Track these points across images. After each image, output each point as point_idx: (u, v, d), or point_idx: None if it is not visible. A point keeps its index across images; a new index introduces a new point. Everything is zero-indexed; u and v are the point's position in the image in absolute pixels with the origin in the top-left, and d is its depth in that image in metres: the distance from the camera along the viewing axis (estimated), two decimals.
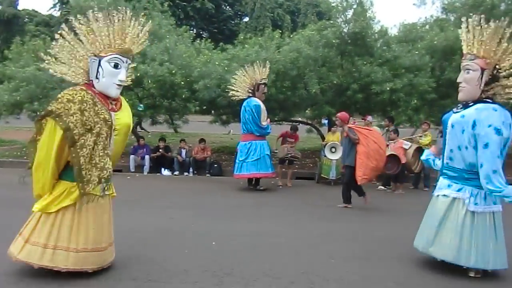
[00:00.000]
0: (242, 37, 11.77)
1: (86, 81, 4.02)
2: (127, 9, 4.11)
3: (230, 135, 17.56)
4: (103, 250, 4.06)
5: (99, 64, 3.94)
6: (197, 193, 8.67)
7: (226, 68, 10.20)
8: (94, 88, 3.97)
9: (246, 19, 30.08)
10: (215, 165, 11.27)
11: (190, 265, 4.55)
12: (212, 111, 12.54)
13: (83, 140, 3.74)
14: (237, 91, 8.97)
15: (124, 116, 4.13)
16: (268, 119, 9.20)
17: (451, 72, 10.49)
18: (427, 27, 13.05)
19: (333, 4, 11.78)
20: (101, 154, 3.85)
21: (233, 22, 30.21)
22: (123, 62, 4.01)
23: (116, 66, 3.97)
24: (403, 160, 9.02)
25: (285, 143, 10.09)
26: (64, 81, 4.87)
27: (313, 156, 12.54)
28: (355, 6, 11.36)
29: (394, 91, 10.19)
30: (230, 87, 9.03)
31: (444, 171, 4.58)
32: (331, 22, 11.10)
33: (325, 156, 9.87)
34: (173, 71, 10.33)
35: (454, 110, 4.47)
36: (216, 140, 16.16)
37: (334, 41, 10.44)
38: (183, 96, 10.61)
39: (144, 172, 11.03)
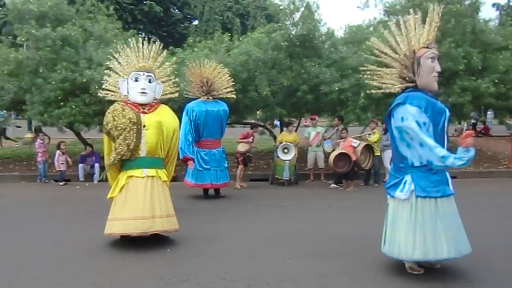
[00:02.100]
0: (191, 41, 11.69)
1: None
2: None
3: None
4: (147, 219, 5.16)
5: (127, 82, 5.40)
6: None
7: (175, 72, 10.05)
8: (128, 100, 5.37)
9: (196, 22, 29.92)
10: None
11: (144, 273, 4.45)
12: None
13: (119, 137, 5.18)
14: (189, 91, 8.53)
15: (154, 116, 5.36)
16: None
17: None
18: (371, 28, 13.49)
19: (281, 7, 11.95)
20: (120, 142, 5.16)
21: (182, 25, 29.87)
22: (142, 75, 5.36)
23: (136, 79, 5.36)
24: (354, 158, 9.28)
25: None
26: None
27: (267, 157, 12.64)
28: (302, 9, 11.58)
29: (342, 91, 10.47)
30: (185, 87, 8.60)
31: None
32: (279, 25, 11.27)
33: (278, 157, 9.97)
34: None
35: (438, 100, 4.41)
36: None
37: (282, 43, 10.59)
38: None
39: (94, 181, 10.67)
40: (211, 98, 8.33)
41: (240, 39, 11.65)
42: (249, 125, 13.80)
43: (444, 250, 4.08)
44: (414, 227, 4.14)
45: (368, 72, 4.71)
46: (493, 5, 37.20)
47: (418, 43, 4.27)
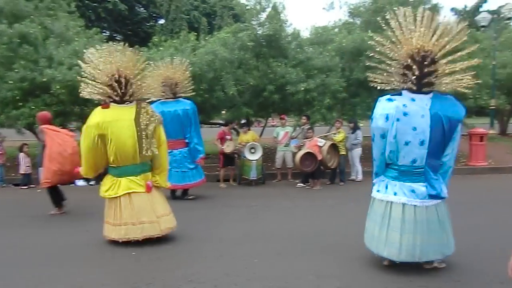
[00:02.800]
0: (156, 40, 11.53)
1: None
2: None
3: None
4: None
5: None
6: None
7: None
8: None
9: (162, 21, 29.52)
10: None
11: (108, 278, 4.36)
12: None
13: None
14: (154, 92, 8.38)
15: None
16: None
17: (359, 72, 11.13)
18: (336, 30, 13.73)
19: (247, 7, 11.96)
20: None
21: (148, 24, 29.41)
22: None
23: None
24: (319, 157, 9.40)
25: (224, 143, 10.01)
26: None
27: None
28: (268, 9, 11.64)
29: (308, 91, 10.60)
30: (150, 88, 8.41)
31: None
32: (246, 24, 11.27)
33: (244, 157, 9.97)
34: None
35: None
36: None
37: (249, 43, 10.61)
38: (96, 101, 10.10)
39: None
40: (171, 98, 8.17)
41: (207, 38, 11.58)
42: (218, 125, 13.79)
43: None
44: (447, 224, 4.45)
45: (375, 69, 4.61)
46: (452, 9, 38.60)
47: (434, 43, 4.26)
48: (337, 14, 38.10)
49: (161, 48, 10.62)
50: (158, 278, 4.33)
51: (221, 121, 13.92)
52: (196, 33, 12.54)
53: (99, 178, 10.33)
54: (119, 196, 5.39)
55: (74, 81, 9.57)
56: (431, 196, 4.28)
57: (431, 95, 4.32)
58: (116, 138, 5.30)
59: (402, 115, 4.26)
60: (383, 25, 4.52)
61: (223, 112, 12.21)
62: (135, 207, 5.40)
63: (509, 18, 16.36)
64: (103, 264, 4.78)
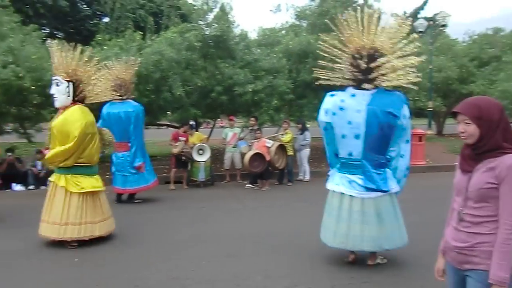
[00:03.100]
0: (100, 38, 11.13)
1: None
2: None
3: None
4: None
5: None
6: None
7: None
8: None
9: (106, 19, 28.48)
10: None
11: (49, 285, 4.15)
12: None
13: None
14: (104, 93, 8.05)
15: (54, 121, 5.44)
16: None
17: (305, 74, 11.35)
18: (283, 32, 13.94)
19: (194, 7, 11.85)
20: None
21: (91, 22, 28.27)
22: (53, 80, 5.47)
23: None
24: (268, 158, 9.48)
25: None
26: None
27: None
28: (216, 10, 11.59)
29: (256, 92, 10.67)
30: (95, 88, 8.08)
31: None
32: (193, 25, 11.15)
33: (191, 158, 9.86)
34: (20, 75, 9.28)
35: None
36: None
37: (196, 44, 10.50)
38: (35, 102, 9.64)
39: None
40: (119, 99, 7.90)
41: (153, 38, 11.33)
42: (166, 126, 13.57)
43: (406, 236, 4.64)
44: (396, 217, 4.55)
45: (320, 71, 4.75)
46: (392, 15, 40.35)
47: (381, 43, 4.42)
48: (284, 17, 38.89)
49: (105, 47, 10.26)
50: (102, 284, 4.19)
51: (168, 123, 13.71)
52: (142, 33, 12.24)
53: (39, 182, 9.95)
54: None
55: (10, 80, 9.06)
56: (368, 189, 4.42)
57: (373, 91, 4.45)
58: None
59: (338, 109, 4.46)
60: (331, 25, 4.68)
61: (168, 113, 11.98)
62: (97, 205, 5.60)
63: (443, 25, 17.32)
64: (42, 272, 4.55)
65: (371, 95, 4.44)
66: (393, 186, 4.53)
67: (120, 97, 7.92)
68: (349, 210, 4.47)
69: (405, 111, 4.46)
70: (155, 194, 8.65)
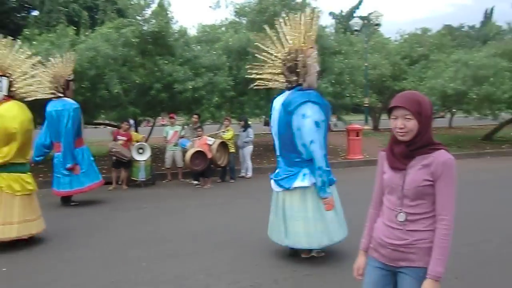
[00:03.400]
0: (28, 33, 10.49)
1: None
2: None
3: None
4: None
5: None
6: None
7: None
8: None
9: (36, 12, 26.93)
10: None
11: None
12: None
13: None
14: (39, 91, 7.62)
15: None
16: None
17: (246, 71, 11.37)
18: (223, 29, 13.88)
19: (131, 3, 11.49)
20: None
21: (19, 15, 26.62)
22: None
23: None
24: (209, 156, 9.43)
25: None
26: None
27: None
28: (153, 5, 11.32)
29: (196, 90, 10.54)
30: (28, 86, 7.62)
31: None
32: (130, 20, 10.81)
33: (132, 158, 9.60)
34: None
35: None
36: None
37: (133, 40, 10.19)
38: None
39: None
40: (56, 97, 7.52)
41: (87, 34, 10.85)
42: (104, 125, 13.07)
43: (342, 231, 4.64)
44: (320, 214, 4.44)
45: (256, 71, 4.87)
46: (330, 13, 41.58)
47: (302, 42, 4.48)
48: (224, 13, 38.69)
49: (34, 42, 9.68)
50: None
51: (107, 121, 13.24)
52: (76, 28, 11.69)
53: None
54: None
55: None
56: (280, 185, 4.60)
57: (293, 90, 4.56)
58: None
59: (272, 109, 4.72)
60: (266, 28, 4.77)
61: (102, 112, 11.56)
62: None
63: (377, 24, 18.09)
64: None
65: (288, 94, 4.57)
66: (300, 183, 4.45)
67: (55, 95, 7.49)
68: (275, 205, 4.72)
69: (304, 110, 4.36)
70: (94, 196, 8.32)
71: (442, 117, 19.37)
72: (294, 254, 4.77)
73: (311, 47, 4.52)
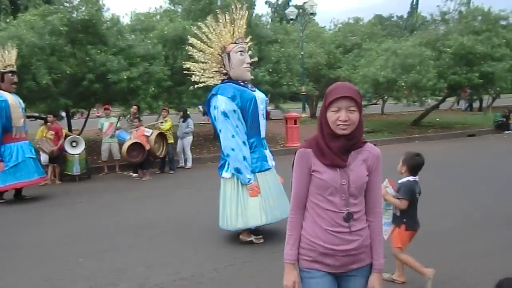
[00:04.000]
0: None
1: None
2: None
3: None
4: None
5: None
6: None
7: None
8: None
9: None
10: None
11: None
12: None
13: None
14: None
15: None
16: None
17: (182, 61, 11.20)
18: (158, 17, 13.56)
19: None
20: None
21: None
22: None
23: None
24: (147, 147, 9.26)
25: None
26: None
27: None
28: None
29: (132, 80, 10.24)
30: None
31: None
32: (56, 7, 10.24)
33: (65, 151, 9.21)
34: None
35: (250, 88, 4.94)
36: None
37: (61, 28, 9.68)
38: None
39: None
40: None
41: (8, 21, 10.16)
42: (34, 118, 12.33)
43: (262, 218, 4.70)
44: (237, 201, 4.71)
45: (191, 69, 5.03)
46: (266, 2, 41.85)
47: (227, 39, 4.79)
48: (157, 1, 37.45)
49: None
50: None
51: (37, 114, 12.52)
52: None
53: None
54: None
55: None
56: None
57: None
58: None
59: None
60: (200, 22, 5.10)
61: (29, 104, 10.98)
62: None
63: (312, 13, 18.46)
64: None
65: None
66: (225, 174, 4.81)
67: None
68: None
69: (213, 102, 4.75)
70: (26, 192, 7.87)
71: (375, 104, 20.27)
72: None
73: (234, 42, 4.82)
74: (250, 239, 4.90)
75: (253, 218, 4.71)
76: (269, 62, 12.66)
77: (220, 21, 4.82)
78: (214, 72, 4.95)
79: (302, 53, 17.29)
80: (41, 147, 8.91)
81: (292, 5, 28.13)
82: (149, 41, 11.15)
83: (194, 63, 5.04)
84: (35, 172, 7.59)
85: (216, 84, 4.90)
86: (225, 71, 4.87)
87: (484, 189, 7.12)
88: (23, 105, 7.72)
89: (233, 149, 4.66)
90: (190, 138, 10.56)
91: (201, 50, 4.96)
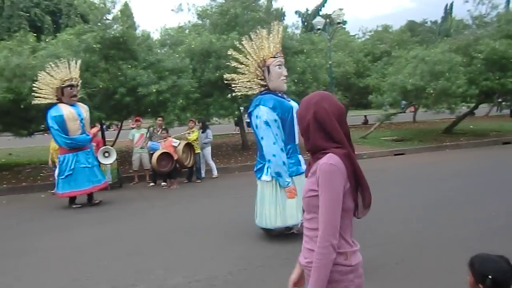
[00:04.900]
0: None
1: None
2: None
3: None
4: None
5: None
6: None
7: None
8: None
9: None
10: None
11: None
12: None
13: None
14: (42, 97, 7.88)
15: None
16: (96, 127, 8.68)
17: (209, 73, 11.61)
18: (186, 31, 14.05)
19: (92, 8, 11.52)
20: None
21: None
22: None
23: None
24: (175, 157, 9.62)
25: None
26: None
27: None
28: (114, 11, 11.41)
29: (161, 93, 10.67)
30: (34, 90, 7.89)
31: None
32: (91, 26, 10.85)
33: (98, 161, 9.68)
34: None
35: (287, 98, 5.42)
36: None
37: (95, 45, 10.25)
38: None
39: None
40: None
41: (47, 40, 10.84)
42: None
43: (300, 216, 4.97)
44: (275, 202, 5.18)
45: (230, 79, 5.61)
46: (296, 12, 42.13)
47: (266, 54, 5.28)
48: (186, 16, 38.76)
49: None
50: None
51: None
52: (39, 33, 11.67)
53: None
54: None
55: None
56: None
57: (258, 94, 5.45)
58: None
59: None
60: (237, 41, 5.69)
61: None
62: None
63: (339, 22, 18.53)
64: None
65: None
66: (264, 177, 5.27)
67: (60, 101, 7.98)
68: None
69: (256, 112, 5.21)
70: (60, 200, 8.36)
71: (403, 112, 20.06)
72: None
73: (273, 57, 5.30)
74: (292, 231, 5.33)
75: (291, 217, 5.15)
76: (294, 72, 12.83)
77: (260, 36, 5.33)
78: (253, 83, 5.45)
79: (330, 62, 17.35)
80: None
81: (320, 15, 28.23)
82: (177, 55, 11.59)
83: (235, 75, 5.59)
84: (89, 181, 8.05)
85: (256, 95, 5.41)
86: (264, 83, 5.33)
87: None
88: (83, 115, 8.13)
89: (274, 155, 5.09)
90: (209, 149, 10.84)
91: (242, 63, 5.50)
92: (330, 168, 1.72)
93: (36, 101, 7.98)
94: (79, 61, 8.23)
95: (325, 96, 1.86)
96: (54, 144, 9.20)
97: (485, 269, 1.78)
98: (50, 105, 7.92)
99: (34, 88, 7.90)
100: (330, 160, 1.73)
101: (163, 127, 10.37)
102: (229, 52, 5.69)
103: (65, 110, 7.87)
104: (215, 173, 10.79)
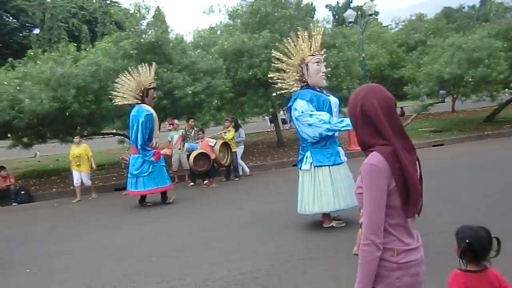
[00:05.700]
0: (32, 53, 11.00)
1: None
2: None
3: (37, 158, 16.22)
4: None
5: None
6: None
7: (18, 88, 9.45)
8: None
9: (37, 31, 27.47)
10: (22, 192, 10.37)
11: None
12: (9, 135, 11.38)
13: None
14: (123, 97, 8.29)
15: None
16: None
17: (242, 72, 11.77)
18: (218, 32, 14.28)
19: (127, 15, 11.93)
20: None
21: (21, 34, 27.20)
22: None
23: None
24: (212, 156, 9.83)
25: None
26: None
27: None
28: (149, 16, 11.76)
29: (196, 94, 10.94)
30: (114, 92, 8.36)
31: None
32: (127, 33, 11.24)
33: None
34: None
35: (325, 93, 5.70)
36: (20, 165, 14.73)
37: (132, 51, 10.62)
38: None
39: None
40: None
41: (87, 49, 11.32)
42: (112, 135, 13.55)
43: (336, 204, 5.39)
44: (314, 189, 5.47)
45: (274, 78, 5.96)
46: (326, 6, 41.76)
47: (305, 52, 5.56)
48: (218, 17, 39.36)
49: (38, 62, 10.19)
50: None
51: (114, 131, 13.70)
52: (77, 42, 12.21)
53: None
54: None
55: None
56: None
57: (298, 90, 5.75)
58: None
59: None
60: (277, 42, 6.09)
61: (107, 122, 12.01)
62: None
63: (371, 14, 18.28)
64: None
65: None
66: (304, 167, 5.57)
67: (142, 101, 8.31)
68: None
69: (295, 105, 5.49)
70: (107, 200, 8.76)
71: (443, 101, 19.56)
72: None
73: (312, 55, 5.56)
74: (331, 224, 5.62)
75: (327, 204, 5.43)
76: (327, 67, 12.79)
77: (300, 36, 5.62)
78: (294, 80, 5.69)
79: (363, 55, 17.14)
80: (124, 158, 9.82)
81: (351, 8, 27.88)
82: (210, 56, 11.82)
83: (277, 73, 5.92)
84: (167, 179, 8.47)
85: (296, 91, 5.66)
86: (304, 79, 5.61)
87: None
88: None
89: (328, 129, 5.28)
90: (242, 148, 10.96)
91: (283, 62, 5.81)
92: (370, 169, 1.74)
93: (117, 102, 8.41)
94: (154, 65, 8.55)
95: (373, 89, 1.83)
96: (73, 151, 9.62)
97: (465, 234, 2.11)
98: (131, 106, 8.36)
99: (114, 91, 8.34)
100: (371, 160, 1.75)
101: (198, 128, 10.60)
102: (272, 54, 6.03)
103: (151, 110, 8.26)
104: (246, 170, 10.92)
